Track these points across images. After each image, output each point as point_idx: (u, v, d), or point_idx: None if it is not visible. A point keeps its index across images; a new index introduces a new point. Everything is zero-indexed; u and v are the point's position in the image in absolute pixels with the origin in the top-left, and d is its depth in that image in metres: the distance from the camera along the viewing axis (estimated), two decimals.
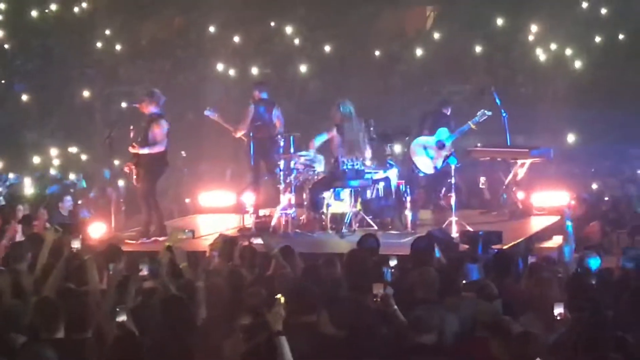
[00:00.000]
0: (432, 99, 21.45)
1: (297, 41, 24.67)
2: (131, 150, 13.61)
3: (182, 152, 20.01)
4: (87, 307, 7.53)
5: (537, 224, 14.51)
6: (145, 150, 13.52)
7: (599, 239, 12.69)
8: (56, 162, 21.97)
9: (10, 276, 8.97)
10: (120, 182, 17.13)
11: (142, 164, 13.56)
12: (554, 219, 14.47)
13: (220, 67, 23.71)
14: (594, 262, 9.67)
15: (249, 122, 14.61)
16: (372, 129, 14.10)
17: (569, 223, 10.58)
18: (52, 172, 21.20)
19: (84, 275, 8.58)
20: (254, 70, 23.46)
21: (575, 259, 10.23)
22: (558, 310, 7.60)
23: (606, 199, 16.09)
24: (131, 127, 13.79)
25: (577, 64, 23.31)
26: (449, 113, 15.78)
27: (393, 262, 9.40)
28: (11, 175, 20.07)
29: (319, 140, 13.94)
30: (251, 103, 14.82)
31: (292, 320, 7.21)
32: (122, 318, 7.26)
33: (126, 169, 13.87)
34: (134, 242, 13.34)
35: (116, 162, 17.16)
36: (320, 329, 7.41)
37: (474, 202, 17.13)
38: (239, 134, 14.77)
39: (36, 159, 21.71)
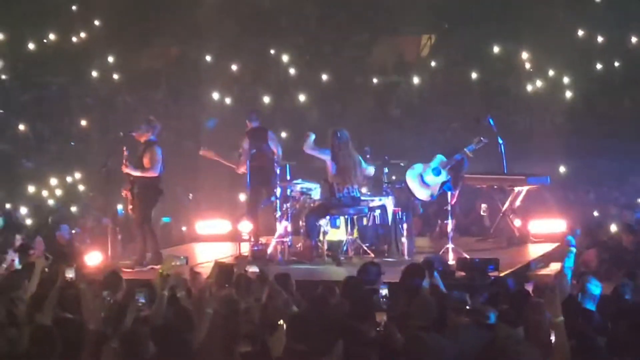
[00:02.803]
0: (429, 127, 21.56)
1: (293, 70, 24.68)
2: (124, 169, 13.65)
3: (189, 195, 20.06)
4: (82, 335, 7.51)
5: (534, 251, 14.50)
6: (137, 173, 13.54)
7: (596, 266, 12.64)
8: (55, 191, 21.87)
9: (5, 305, 8.95)
10: (119, 210, 17.08)
11: (137, 192, 13.59)
12: (552, 246, 14.46)
13: (216, 95, 23.70)
14: (595, 288, 9.52)
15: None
16: (368, 156, 14.12)
17: (573, 249, 10.38)
18: (50, 201, 21.13)
19: (79, 304, 8.55)
20: (252, 99, 23.45)
21: (574, 285, 10.15)
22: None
23: (614, 228, 15.84)
24: (124, 148, 13.78)
25: (574, 91, 23.32)
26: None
27: (384, 291, 9.36)
28: (8, 206, 19.99)
29: (312, 140, 13.85)
30: (245, 138, 14.77)
31: (289, 347, 7.18)
32: (114, 345, 7.24)
33: (123, 194, 13.92)
34: (130, 270, 13.33)
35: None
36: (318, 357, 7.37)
37: (473, 229, 17.08)
38: (241, 170, 14.69)
39: (31, 188, 21.58)
